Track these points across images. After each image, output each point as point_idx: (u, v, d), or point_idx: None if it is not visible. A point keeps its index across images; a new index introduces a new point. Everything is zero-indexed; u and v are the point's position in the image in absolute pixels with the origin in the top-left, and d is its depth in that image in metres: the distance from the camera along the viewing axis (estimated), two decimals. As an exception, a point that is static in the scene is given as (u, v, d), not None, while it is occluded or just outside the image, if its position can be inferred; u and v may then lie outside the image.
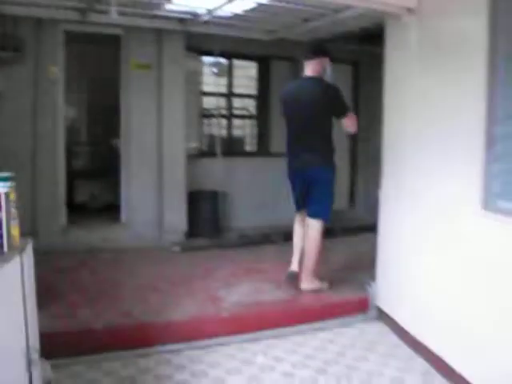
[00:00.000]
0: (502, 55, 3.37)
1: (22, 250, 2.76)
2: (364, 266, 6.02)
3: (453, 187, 3.92)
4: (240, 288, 5.43)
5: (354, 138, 9.25)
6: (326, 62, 5.29)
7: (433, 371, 4.13)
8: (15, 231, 2.74)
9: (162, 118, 7.18)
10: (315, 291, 5.35)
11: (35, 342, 2.95)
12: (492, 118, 3.40)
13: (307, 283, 5.35)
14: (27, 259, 2.83)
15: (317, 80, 5.24)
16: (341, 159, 9.08)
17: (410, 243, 4.59)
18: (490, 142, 3.41)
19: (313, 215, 5.35)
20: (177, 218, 7.29)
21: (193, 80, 7.95)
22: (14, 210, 2.68)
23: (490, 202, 3.44)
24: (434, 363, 4.15)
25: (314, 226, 5.31)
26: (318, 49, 5.38)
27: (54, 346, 4.02)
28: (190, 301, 5.03)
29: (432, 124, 4.25)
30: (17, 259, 2.70)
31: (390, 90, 5.01)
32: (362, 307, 5.20)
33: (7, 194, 2.61)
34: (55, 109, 6.72)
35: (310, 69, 5.25)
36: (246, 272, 6.03)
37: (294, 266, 5.48)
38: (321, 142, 5.28)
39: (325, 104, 5.17)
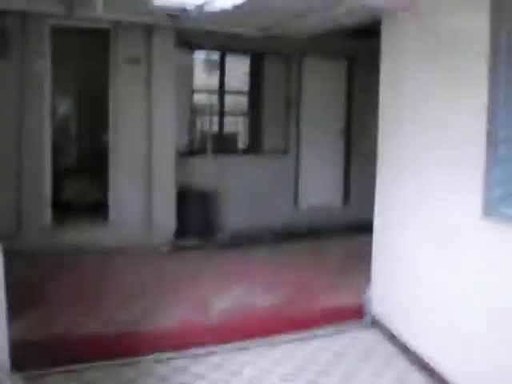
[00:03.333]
0: (504, 53, 3.19)
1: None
2: (359, 270, 5.85)
3: (455, 193, 3.74)
4: (229, 293, 5.24)
5: (346, 136, 9.09)
6: None
7: (430, 385, 3.95)
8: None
9: (151, 114, 6.96)
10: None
11: (3, 355, 2.76)
12: (493, 120, 3.22)
13: None
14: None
15: None
16: (334, 153, 9.07)
17: (409, 250, 4.39)
18: (491, 145, 3.22)
19: None
20: (166, 217, 7.08)
21: (184, 76, 7.73)
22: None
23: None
24: (433, 378, 3.97)
25: None
26: None
27: (30, 356, 3.87)
28: (178, 307, 4.83)
29: (428, 121, 4.07)
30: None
31: (386, 86, 4.81)
32: (356, 314, 5.01)
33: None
34: (41, 103, 6.52)
35: None
36: (236, 275, 5.84)
37: None
38: None
39: None
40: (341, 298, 5.23)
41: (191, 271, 6.01)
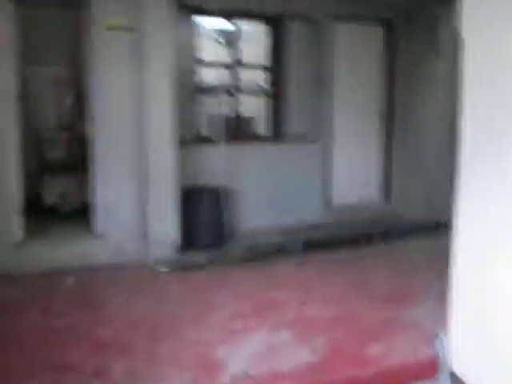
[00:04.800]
0: None
1: None
2: (424, 298, 4.40)
3: None
4: (247, 342, 3.72)
5: (387, 119, 7.53)
6: None
7: None
8: None
9: (143, 96, 5.42)
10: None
11: None
12: None
13: None
14: None
15: None
16: (372, 140, 7.55)
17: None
18: None
19: None
20: (166, 224, 5.58)
21: (186, 47, 6.23)
22: None
23: None
24: None
25: None
26: None
27: None
28: (173, 371, 3.35)
29: None
30: None
31: (477, 52, 3.21)
32: (427, 372, 3.50)
33: None
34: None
35: None
36: (256, 309, 4.33)
37: None
38: None
39: None
40: (403, 346, 3.71)
41: (196, 302, 4.52)
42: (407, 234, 6.52)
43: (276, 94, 7.03)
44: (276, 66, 7.00)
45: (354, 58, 7.24)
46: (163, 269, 5.25)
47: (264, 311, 4.28)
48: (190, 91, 6.33)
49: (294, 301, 4.49)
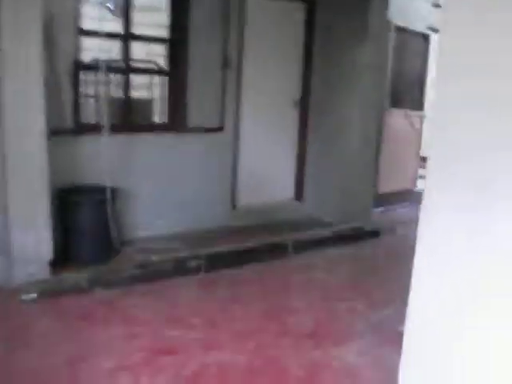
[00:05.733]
0: None
1: None
2: (352, 331, 3.61)
3: None
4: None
5: (303, 108, 6.69)
6: None
7: None
8: None
9: (1, 70, 4.17)
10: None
11: None
12: None
13: None
14: None
15: None
16: (285, 132, 6.70)
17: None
18: None
19: None
20: (34, 236, 4.36)
21: (63, 10, 5.00)
22: None
23: None
24: None
25: None
26: None
27: None
28: None
29: None
30: None
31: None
32: None
33: None
34: None
35: None
36: (148, 355, 3.31)
37: None
38: None
39: None
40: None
41: (70, 344, 3.42)
42: (324, 241, 5.74)
43: (176, 74, 5.93)
44: (177, 42, 5.89)
45: (268, 38, 6.29)
46: (28, 295, 4.06)
47: (158, 359, 3.27)
48: (68, 68, 5.09)
49: (197, 342, 3.50)
